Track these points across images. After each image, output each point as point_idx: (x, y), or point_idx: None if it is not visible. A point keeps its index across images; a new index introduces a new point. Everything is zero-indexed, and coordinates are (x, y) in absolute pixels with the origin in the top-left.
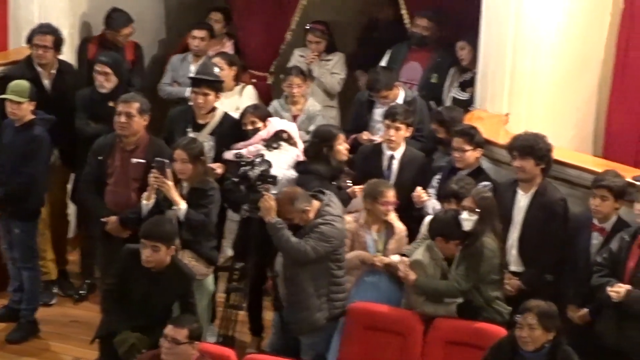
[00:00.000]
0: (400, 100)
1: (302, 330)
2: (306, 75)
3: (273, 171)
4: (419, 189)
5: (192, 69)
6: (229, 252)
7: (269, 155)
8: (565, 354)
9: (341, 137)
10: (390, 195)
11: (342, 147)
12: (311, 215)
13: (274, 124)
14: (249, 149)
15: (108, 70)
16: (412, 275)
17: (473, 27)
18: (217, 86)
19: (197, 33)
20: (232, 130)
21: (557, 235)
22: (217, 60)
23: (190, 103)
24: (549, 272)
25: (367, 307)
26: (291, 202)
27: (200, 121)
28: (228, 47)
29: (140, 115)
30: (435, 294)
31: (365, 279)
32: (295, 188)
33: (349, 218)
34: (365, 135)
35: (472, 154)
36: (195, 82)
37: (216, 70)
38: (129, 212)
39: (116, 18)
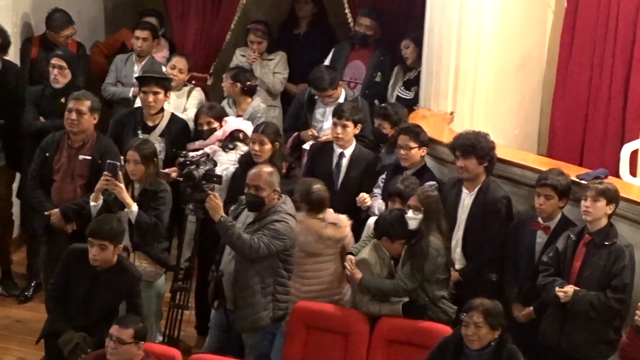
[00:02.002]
0: (341, 100)
1: (246, 328)
2: (239, 75)
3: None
4: (363, 194)
5: (136, 69)
6: (188, 254)
7: (225, 156)
8: (511, 352)
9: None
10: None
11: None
12: (274, 201)
13: (230, 124)
14: (204, 150)
15: (64, 64)
16: (358, 274)
17: (417, 26)
18: (166, 84)
19: (140, 34)
20: (182, 131)
21: (497, 232)
22: (177, 61)
23: (137, 105)
24: (490, 270)
25: (311, 307)
26: (271, 175)
27: (150, 123)
28: (164, 48)
29: (91, 114)
30: (381, 293)
31: None
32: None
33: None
34: (310, 132)
35: (417, 152)
36: (144, 81)
37: (164, 69)
38: (70, 204)
39: (56, 19)
